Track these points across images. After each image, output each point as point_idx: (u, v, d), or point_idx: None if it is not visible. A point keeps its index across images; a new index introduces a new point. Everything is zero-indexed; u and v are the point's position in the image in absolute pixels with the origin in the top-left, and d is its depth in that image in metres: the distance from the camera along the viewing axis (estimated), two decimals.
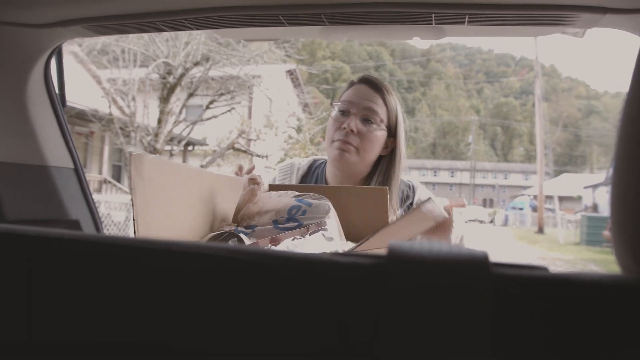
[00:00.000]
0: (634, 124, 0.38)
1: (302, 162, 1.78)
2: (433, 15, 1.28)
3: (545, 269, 0.40)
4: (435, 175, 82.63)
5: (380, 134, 1.58)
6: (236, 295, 0.41)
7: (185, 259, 0.42)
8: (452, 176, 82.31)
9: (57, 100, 1.63)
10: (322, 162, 1.76)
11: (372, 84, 1.60)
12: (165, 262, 0.43)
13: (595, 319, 0.37)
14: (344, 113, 1.58)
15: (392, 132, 1.62)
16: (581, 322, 0.37)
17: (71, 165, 1.69)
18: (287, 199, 1.26)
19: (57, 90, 1.65)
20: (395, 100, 1.62)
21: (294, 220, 1.21)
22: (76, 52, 13.49)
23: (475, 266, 0.38)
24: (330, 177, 1.68)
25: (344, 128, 1.54)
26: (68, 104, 1.70)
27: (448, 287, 0.37)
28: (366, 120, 1.55)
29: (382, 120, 1.57)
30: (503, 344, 0.37)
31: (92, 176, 14.48)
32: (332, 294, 0.40)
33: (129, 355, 0.42)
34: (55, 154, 1.62)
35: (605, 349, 0.37)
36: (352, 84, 1.64)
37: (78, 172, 1.71)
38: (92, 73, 14.44)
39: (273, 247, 1.05)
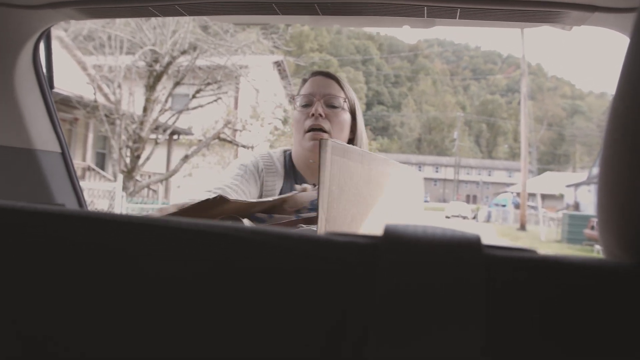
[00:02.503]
0: (622, 118, 0.40)
1: (276, 152, 1.77)
2: (425, 8, 1.28)
3: (534, 252, 0.41)
4: (419, 170, 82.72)
5: (346, 117, 1.63)
6: (227, 272, 0.41)
7: (178, 236, 0.42)
8: (437, 172, 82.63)
9: (45, 84, 1.62)
10: (289, 152, 1.76)
11: (326, 74, 1.66)
12: (158, 239, 0.43)
13: (581, 299, 0.38)
14: (307, 105, 1.61)
15: (353, 115, 1.66)
16: (570, 303, 0.38)
17: (58, 150, 1.68)
18: (311, 193, 1.26)
19: (45, 74, 1.63)
20: (348, 87, 1.67)
21: (316, 209, 1.23)
22: (62, 37, 13.32)
23: (468, 247, 0.39)
24: (303, 168, 1.68)
25: (312, 115, 1.57)
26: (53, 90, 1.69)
27: (441, 267, 0.38)
28: (330, 105, 1.59)
29: (345, 102, 1.62)
30: (496, 323, 0.38)
31: (75, 163, 14.28)
32: (325, 273, 0.40)
33: (119, 339, 0.43)
34: (43, 138, 1.61)
35: (592, 329, 0.38)
36: (305, 80, 1.69)
37: (65, 157, 1.70)
38: (77, 59, 14.27)
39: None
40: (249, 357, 0.40)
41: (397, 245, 0.39)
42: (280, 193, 1.59)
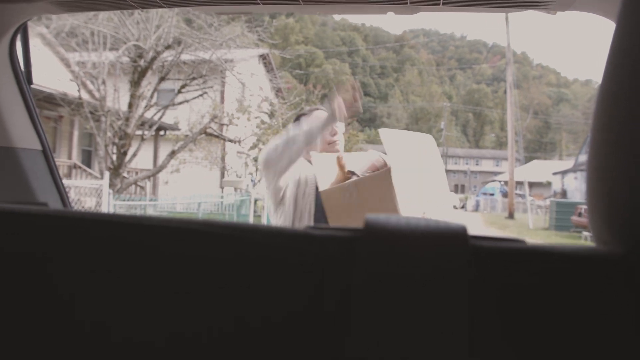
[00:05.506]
0: (610, 102, 0.39)
1: None
2: None
3: (522, 242, 0.40)
4: None
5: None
6: (210, 266, 0.41)
7: (159, 233, 0.42)
8: None
9: (23, 80, 1.58)
10: None
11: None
12: (140, 236, 0.42)
13: (570, 288, 0.37)
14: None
15: None
16: (556, 291, 0.37)
17: (39, 147, 1.65)
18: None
19: (23, 69, 1.60)
20: None
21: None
22: (44, 34, 13.18)
23: (454, 239, 0.38)
24: None
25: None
26: (36, 87, 1.65)
27: (425, 258, 0.37)
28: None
29: None
30: (480, 313, 0.37)
31: (61, 161, 14.25)
32: (306, 266, 0.39)
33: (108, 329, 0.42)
34: (22, 135, 1.58)
35: (580, 317, 0.37)
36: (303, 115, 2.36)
37: (46, 154, 1.67)
38: (60, 56, 14.14)
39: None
40: (233, 344, 0.39)
41: (377, 237, 0.38)
42: None
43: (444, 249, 0.37)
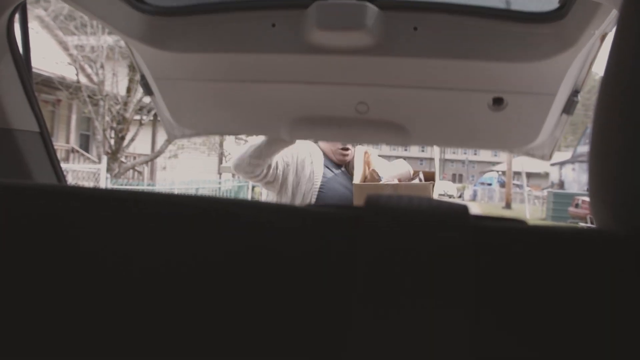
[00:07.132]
0: (614, 87, 0.39)
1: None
2: None
3: (523, 222, 0.40)
4: (405, 150, 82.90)
5: None
6: (209, 245, 0.40)
7: (161, 210, 0.41)
8: (423, 151, 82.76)
9: (21, 61, 1.57)
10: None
11: None
12: (137, 209, 0.42)
13: (574, 269, 0.37)
14: None
15: None
16: (560, 272, 0.37)
17: (36, 129, 1.64)
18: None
19: (21, 49, 1.59)
20: None
21: None
22: (42, 16, 13.10)
23: (456, 218, 0.38)
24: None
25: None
26: (34, 70, 1.64)
27: (427, 237, 0.37)
28: None
29: None
30: (484, 294, 0.37)
31: (59, 145, 14.22)
32: (305, 244, 0.39)
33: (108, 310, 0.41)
34: (19, 116, 1.57)
35: (581, 299, 0.37)
36: None
37: (44, 136, 1.66)
38: (58, 39, 14.06)
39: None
40: (233, 328, 0.39)
41: (380, 216, 0.38)
42: None
43: (447, 228, 0.37)
